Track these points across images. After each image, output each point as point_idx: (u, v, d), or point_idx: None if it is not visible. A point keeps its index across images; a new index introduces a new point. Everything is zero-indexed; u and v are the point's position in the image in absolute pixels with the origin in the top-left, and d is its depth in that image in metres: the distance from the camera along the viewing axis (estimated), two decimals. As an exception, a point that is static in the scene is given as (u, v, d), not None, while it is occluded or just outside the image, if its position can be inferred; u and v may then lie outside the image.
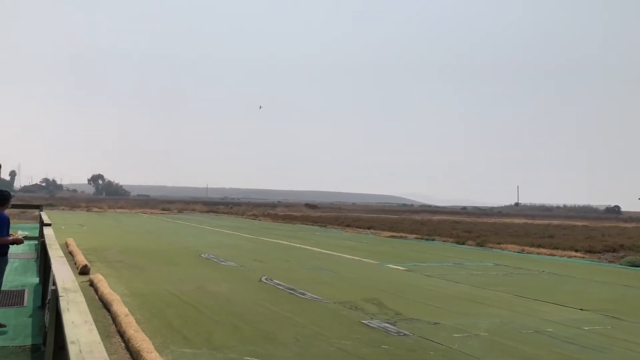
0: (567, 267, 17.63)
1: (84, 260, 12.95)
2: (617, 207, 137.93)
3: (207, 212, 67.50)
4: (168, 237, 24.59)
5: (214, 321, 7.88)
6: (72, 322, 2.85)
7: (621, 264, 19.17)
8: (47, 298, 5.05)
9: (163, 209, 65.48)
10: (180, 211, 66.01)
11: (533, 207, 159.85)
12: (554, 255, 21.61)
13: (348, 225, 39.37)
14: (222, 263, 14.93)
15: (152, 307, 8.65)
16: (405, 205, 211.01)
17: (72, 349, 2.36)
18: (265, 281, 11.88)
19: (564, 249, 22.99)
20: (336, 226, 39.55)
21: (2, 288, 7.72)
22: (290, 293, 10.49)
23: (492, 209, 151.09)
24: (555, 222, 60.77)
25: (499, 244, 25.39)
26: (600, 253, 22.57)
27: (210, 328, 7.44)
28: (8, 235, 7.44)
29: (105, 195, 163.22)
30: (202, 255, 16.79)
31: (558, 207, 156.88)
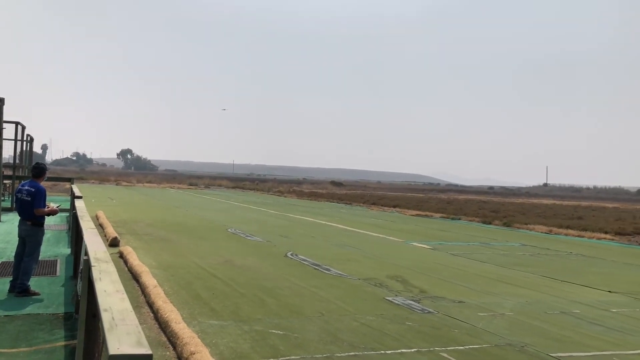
0: (596, 249, 17.38)
1: (114, 232, 13.22)
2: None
3: (234, 187, 68.05)
4: (195, 211, 24.89)
5: (241, 294, 7.99)
6: (105, 291, 2.92)
7: (652, 247, 18.82)
8: (80, 268, 5.19)
9: (190, 184, 66.22)
10: (207, 186, 66.68)
11: (562, 188, 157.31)
12: (583, 237, 21.32)
13: (373, 204, 39.34)
14: (249, 238, 15.09)
15: (180, 280, 8.82)
16: (431, 184, 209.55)
17: (105, 317, 2.42)
18: (291, 256, 11.98)
19: (593, 231, 22.66)
20: (361, 204, 39.55)
21: (36, 258, 7.95)
22: (315, 268, 10.57)
23: (519, 189, 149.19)
24: (584, 203, 59.78)
25: (526, 224, 25.14)
26: (630, 235, 22.19)
27: (237, 301, 7.56)
28: (45, 206, 7.63)
29: (133, 169, 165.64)
30: (229, 230, 16.99)
31: (588, 189, 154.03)
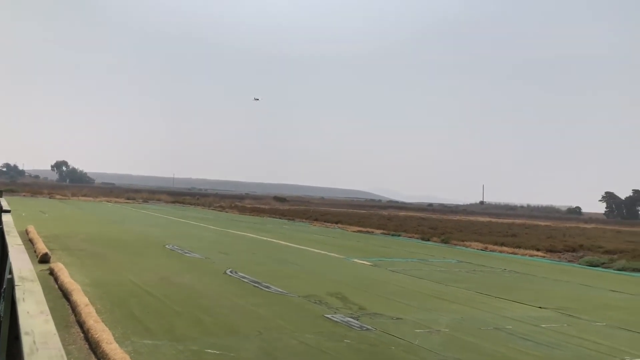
0: (529, 266, 18.01)
1: (45, 248, 12.68)
2: (578, 208, 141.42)
3: (173, 202, 66.77)
4: (132, 226, 24.23)
5: (177, 313, 7.81)
6: (28, 312, 2.78)
7: (580, 264, 19.69)
8: (3, 287, 4.93)
9: (128, 198, 64.54)
10: (145, 201, 65.16)
11: (498, 206, 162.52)
12: (516, 254, 22.05)
13: (316, 219, 39.44)
14: (187, 254, 14.80)
15: (114, 297, 8.53)
16: (373, 200, 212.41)
17: (25, 340, 2.30)
18: (230, 274, 11.82)
19: (526, 248, 23.46)
20: (304, 220, 39.58)
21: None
22: (255, 286, 10.46)
23: (457, 206, 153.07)
24: (518, 221, 61.88)
25: (463, 241, 25.78)
26: (560, 252, 23.12)
27: (172, 319, 7.38)
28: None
29: (69, 182, 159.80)
30: (167, 246, 16.61)
31: (522, 207, 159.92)
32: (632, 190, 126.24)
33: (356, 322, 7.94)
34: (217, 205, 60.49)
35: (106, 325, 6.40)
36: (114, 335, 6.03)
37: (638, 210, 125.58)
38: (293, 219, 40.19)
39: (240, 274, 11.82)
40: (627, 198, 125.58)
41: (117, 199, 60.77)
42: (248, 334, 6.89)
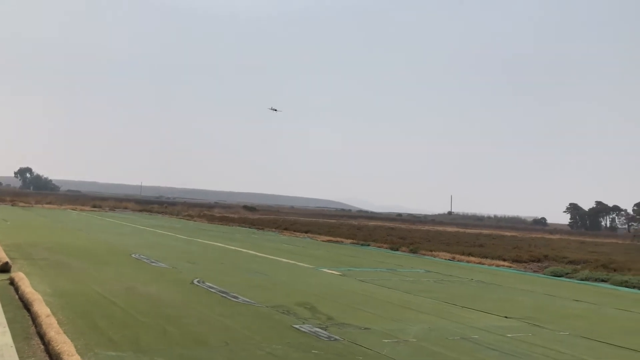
0: (495, 276, 18.26)
1: (5, 257, 12.33)
2: (544, 218, 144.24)
3: (140, 210, 65.87)
4: (98, 235, 23.79)
5: (142, 323, 7.66)
6: (-16, 324, 2.70)
7: (544, 274, 20.04)
8: (-40, 297, 4.78)
9: (94, 206, 63.45)
10: (112, 209, 64.15)
11: (465, 216, 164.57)
12: (483, 264, 22.33)
13: (286, 229, 39.35)
14: (154, 264, 14.58)
15: (77, 308, 8.32)
16: (343, 210, 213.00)
17: (-20, 353, 2.23)
18: (197, 284, 11.68)
19: (492, 258, 23.78)
20: (274, 229, 39.45)
21: None
22: (222, 296, 10.35)
23: (426, 216, 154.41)
24: (485, 231, 62.83)
25: (431, 251, 26.01)
26: (526, 263, 23.52)
27: (137, 330, 7.23)
28: None
29: (32, 189, 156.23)
30: (133, 255, 16.34)
31: (489, 217, 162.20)
32: (595, 201, 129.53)
33: (324, 332, 7.91)
34: (186, 214, 59.90)
35: (68, 336, 6.23)
36: (76, 347, 5.87)
37: (601, 222, 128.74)
38: (262, 228, 40.03)
39: (208, 284, 11.69)
40: (590, 209, 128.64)
41: (82, 207, 59.69)
42: (215, 345, 6.80)
